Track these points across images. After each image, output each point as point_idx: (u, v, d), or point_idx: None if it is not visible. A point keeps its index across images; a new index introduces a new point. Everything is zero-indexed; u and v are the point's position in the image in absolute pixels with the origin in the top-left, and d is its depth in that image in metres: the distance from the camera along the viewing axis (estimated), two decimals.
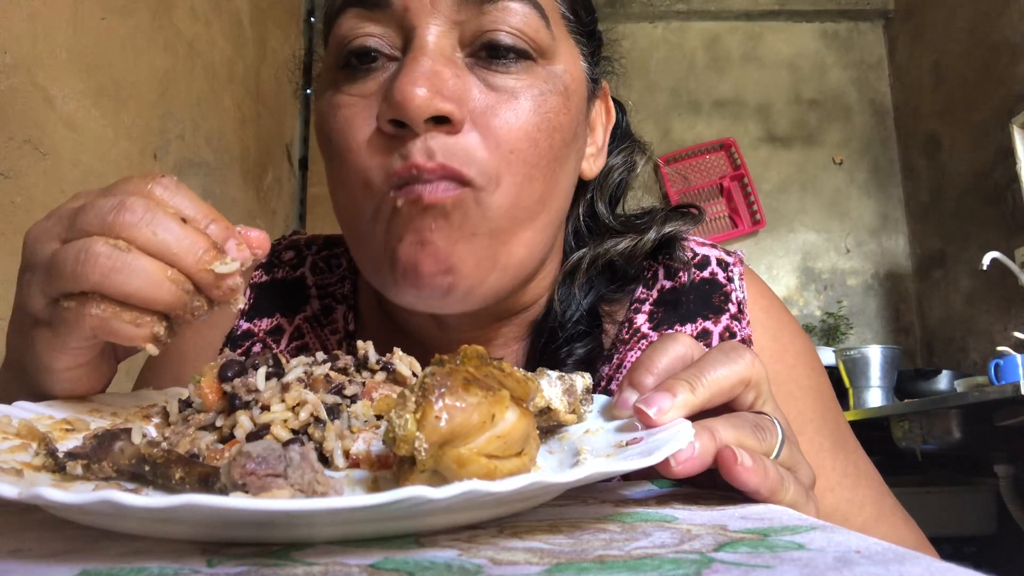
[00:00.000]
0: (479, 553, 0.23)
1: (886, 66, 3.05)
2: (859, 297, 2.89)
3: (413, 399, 0.29)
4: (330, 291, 0.59)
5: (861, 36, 3.08)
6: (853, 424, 2.19)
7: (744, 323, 0.56)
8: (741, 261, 0.59)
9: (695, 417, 0.36)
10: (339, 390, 0.34)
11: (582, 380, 0.38)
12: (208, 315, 0.35)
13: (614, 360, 0.55)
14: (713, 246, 0.60)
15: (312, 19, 2.90)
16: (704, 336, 0.56)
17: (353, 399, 0.34)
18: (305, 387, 0.34)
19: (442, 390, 0.29)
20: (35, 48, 1.21)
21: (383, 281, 0.47)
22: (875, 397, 2.32)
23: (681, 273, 0.57)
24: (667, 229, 0.56)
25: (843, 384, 2.41)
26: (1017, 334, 1.97)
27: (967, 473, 2.31)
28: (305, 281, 0.60)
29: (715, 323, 0.56)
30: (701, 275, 0.57)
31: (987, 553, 2.21)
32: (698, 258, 0.59)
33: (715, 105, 3.01)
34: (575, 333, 0.54)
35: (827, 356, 2.65)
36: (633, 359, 0.55)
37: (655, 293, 0.57)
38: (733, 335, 0.55)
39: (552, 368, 0.52)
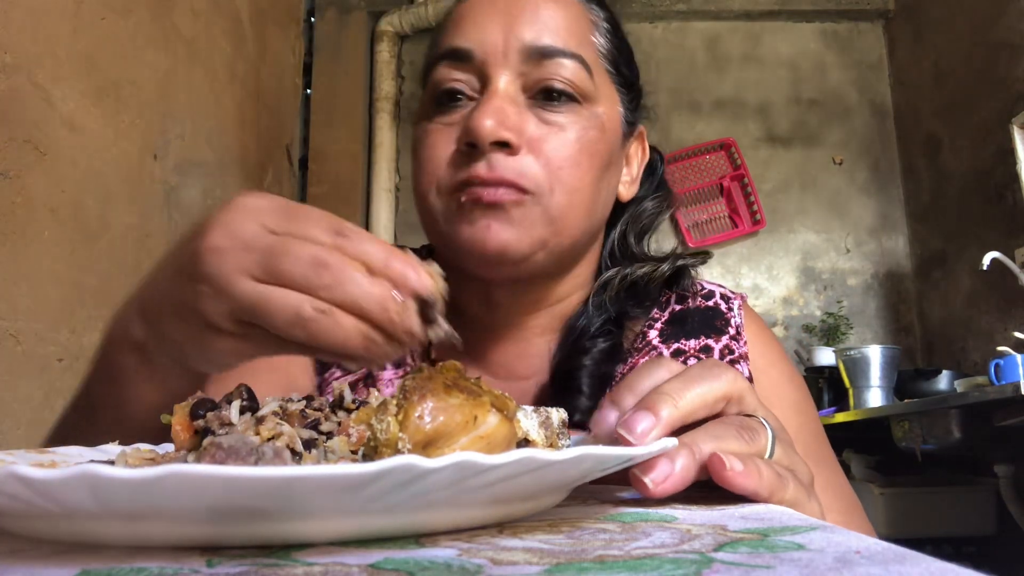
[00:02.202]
0: (479, 553, 0.23)
1: (886, 66, 3.05)
2: (859, 297, 2.89)
3: (394, 403, 0.29)
4: None
5: (861, 36, 3.08)
6: (853, 424, 2.17)
7: (742, 342, 0.66)
8: (743, 299, 0.70)
9: (678, 432, 0.37)
10: (315, 425, 0.34)
11: (557, 414, 0.38)
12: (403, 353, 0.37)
13: (628, 363, 0.65)
14: (721, 286, 0.72)
15: (312, 19, 2.90)
16: (706, 351, 0.65)
17: (329, 435, 0.33)
18: (280, 419, 0.33)
19: (423, 391, 0.29)
20: (35, 48, 1.21)
21: (453, 253, 0.59)
22: (875, 397, 2.32)
23: (689, 300, 0.68)
24: (679, 263, 0.68)
25: (843, 384, 2.41)
26: (1017, 334, 1.97)
27: (967, 473, 2.31)
28: None
29: (716, 341, 0.65)
30: (707, 303, 0.69)
31: (987, 553, 2.21)
32: (705, 291, 0.70)
33: (715, 105, 3.01)
34: (601, 332, 0.64)
35: (827, 356, 2.65)
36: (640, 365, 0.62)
37: (667, 315, 0.68)
38: (732, 351, 0.65)
39: (577, 356, 0.62)
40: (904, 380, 2.35)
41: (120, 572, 0.22)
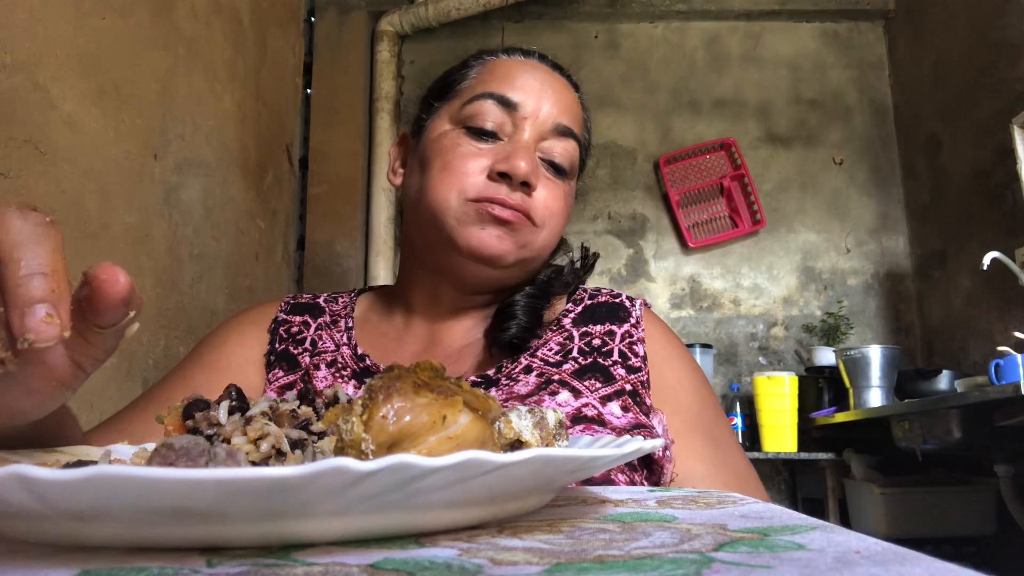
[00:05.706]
0: (479, 553, 0.23)
1: (886, 66, 3.05)
2: (859, 297, 2.89)
3: (360, 403, 0.29)
4: (335, 310, 0.87)
5: (861, 36, 3.07)
6: (853, 424, 2.17)
7: (640, 329, 0.79)
8: (646, 304, 0.84)
9: None
10: (305, 425, 0.33)
11: (554, 415, 0.38)
12: None
13: (543, 339, 0.79)
14: (629, 297, 0.86)
15: (312, 19, 2.90)
16: (610, 335, 0.78)
17: (320, 436, 0.33)
18: (270, 420, 0.33)
19: (389, 391, 0.29)
20: (35, 48, 1.21)
21: (444, 247, 0.74)
22: (875, 397, 2.32)
23: (600, 298, 0.83)
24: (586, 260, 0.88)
25: (843, 384, 2.41)
26: (1017, 334, 1.97)
27: (967, 473, 2.31)
28: (320, 303, 0.88)
29: (619, 327, 0.79)
30: (613, 300, 0.83)
31: (987, 553, 2.21)
32: (615, 293, 0.85)
33: (715, 105, 3.01)
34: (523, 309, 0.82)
35: (827, 356, 2.65)
36: (553, 340, 0.78)
37: (580, 308, 0.83)
38: (631, 336, 0.78)
39: (502, 320, 0.76)
40: (904, 380, 2.35)
41: (120, 572, 0.22)
